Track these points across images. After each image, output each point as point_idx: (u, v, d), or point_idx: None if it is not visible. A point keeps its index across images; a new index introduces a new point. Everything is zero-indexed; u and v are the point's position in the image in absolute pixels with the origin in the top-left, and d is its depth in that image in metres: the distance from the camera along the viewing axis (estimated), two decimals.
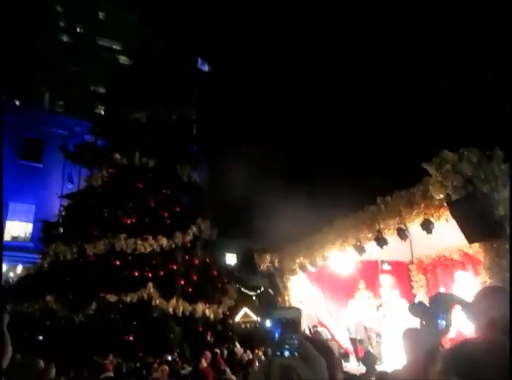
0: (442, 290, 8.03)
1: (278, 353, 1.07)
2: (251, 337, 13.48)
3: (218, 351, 8.96)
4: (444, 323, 1.57)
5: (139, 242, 11.74)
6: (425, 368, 1.59)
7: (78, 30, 74.40)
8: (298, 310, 1.15)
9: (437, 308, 1.60)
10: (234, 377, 4.92)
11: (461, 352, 1.17)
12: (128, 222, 12.28)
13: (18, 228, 22.62)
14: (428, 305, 1.71)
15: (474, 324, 1.74)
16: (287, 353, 1.07)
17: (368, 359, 5.02)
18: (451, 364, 1.21)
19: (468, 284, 6.94)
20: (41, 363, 3.63)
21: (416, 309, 1.78)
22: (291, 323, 1.11)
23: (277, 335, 1.10)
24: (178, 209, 13.39)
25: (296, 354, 1.06)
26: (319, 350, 1.11)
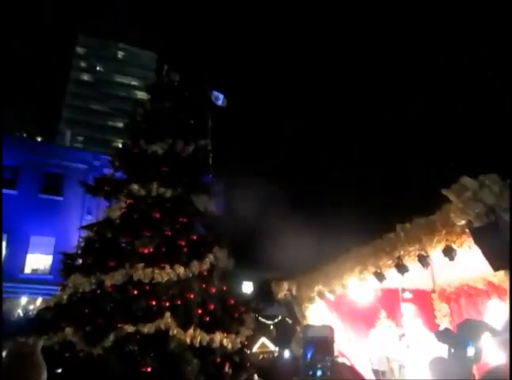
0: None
1: (311, 373, 1.08)
2: (269, 369, 13.14)
3: None
4: (473, 350, 1.57)
5: (157, 271, 11.77)
6: None
7: (98, 69, 77.97)
8: (330, 328, 1.16)
9: (466, 335, 1.60)
10: None
11: (495, 377, 1.18)
12: (146, 251, 12.37)
13: (38, 261, 23.00)
14: (456, 332, 1.70)
15: (504, 351, 1.73)
16: (319, 373, 1.07)
17: None
18: None
19: (494, 314, 6.73)
20: None
21: (444, 335, 1.78)
22: (323, 342, 1.11)
23: (309, 354, 1.11)
24: (195, 238, 13.47)
25: (328, 374, 1.07)
26: (350, 373, 1.13)
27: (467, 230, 5.00)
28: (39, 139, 35.91)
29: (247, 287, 22.95)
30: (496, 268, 4.76)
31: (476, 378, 1.70)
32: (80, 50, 76.01)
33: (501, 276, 4.98)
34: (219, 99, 26.22)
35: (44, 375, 1.13)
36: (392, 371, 7.70)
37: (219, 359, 11.67)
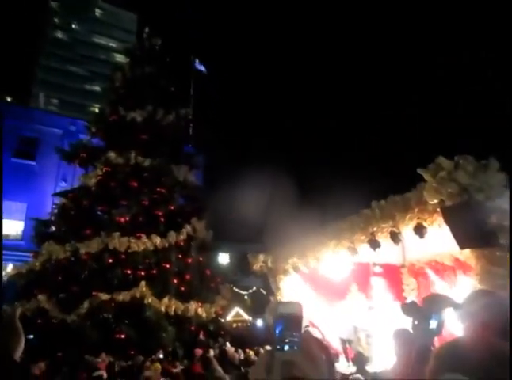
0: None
1: (279, 347, 1.10)
2: (242, 337, 13.53)
3: (211, 351, 9.00)
4: (436, 323, 1.64)
5: (133, 241, 11.74)
6: (417, 367, 1.66)
7: (74, 27, 73.60)
8: (299, 305, 1.17)
9: (430, 308, 1.67)
10: (226, 376, 4.95)
11: (453, 349, 1.23)
12: (122, 220, 12.27)
13: (10, 226, 22.47)
14: (421, 305, 1.77)
15: (464, 324, 1.82)
16: (287, 347, 1.09)
17: (359, 360, 5.08)
18: (442, 361, 1.27)
19: (460, 289, 7.05)
20: None
21: (409, 308, 1.84)
22: (292, 318, 1.13)
23: (277, 330, 1.12)
24: (173, 208, 13.42)
25: (296, 349, 1.10)
26: (317, 347, 1.16)
27: (438, 209, 5.14)
28: (8, 99, 34.24)
29: (223, 259, 23.23)
30: (462, 247, 4.95)
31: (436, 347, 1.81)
32: (55, 5, 71.65)
33: (467, 253, 5.18)
34: (202, 67, 25.50)
35: (22, 343, 1.11)
36: (359, 340, 8.05)
37: (194, 328, 11.93)
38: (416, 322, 1.68)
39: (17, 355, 1.11)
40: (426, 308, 1.66)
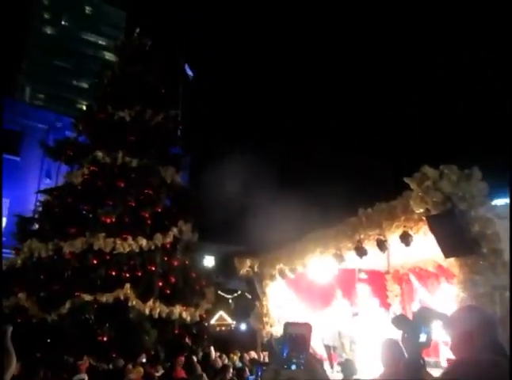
0: (417, 300, 8.29)
1: (286, 366, 1.11)
2: (226, 341, 13.48)
3: (194, 356, 8.95)
4: (426, 336, 1.69)
5: (119, 242, 11.60)
6: (405, 378, 1.70)
7: (63, 23, 72.58)
8: (308, 326, 1.18)
9: (420, 321, 1.71)
10: None
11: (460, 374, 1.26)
12: (108, 221, 12.12)
13: None
14: (411, 318, 1.82)
15: (451, 336, 1.88)
16: (294, 367, 1.11)
17: (347, 367, 5.11)
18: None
19: (443, 295, 7.19)
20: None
21: (399, 320, 1.88)
22: (300, 339, 1.14)
23: (285, 350, 1.13)
24: (160, 210, 13.31)
25: (302, 368, 1.11)
26: (314, 359, 1.18)
27: (424, 218, 5.24)
28: None
29: (208, 261, 23.12)
30: (447, 256, 5.05)
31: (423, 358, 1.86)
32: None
33: (450, 261, 5.28)
34: (189, 71, 25.45)
35: (14, 364, 1.06)
36: (343, 346, 8.12)
37: (177, 331, 11.84)
38: (406, 335, 1.72)
39: (7, 377, 1.06)
40: (416, 321, 1.71)
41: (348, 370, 5.00)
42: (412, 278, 8.88)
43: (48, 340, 9.94)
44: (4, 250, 16.45)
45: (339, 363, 5.93)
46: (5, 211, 21.48)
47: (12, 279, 11.72)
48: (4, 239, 20.12)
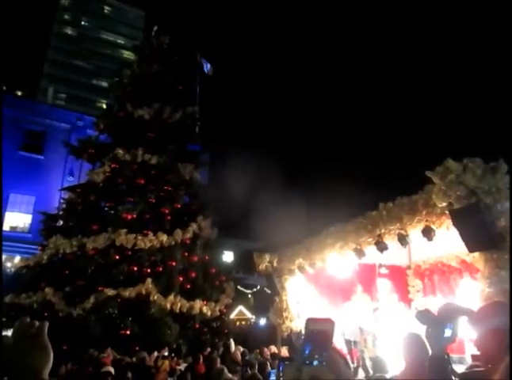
0: (439, 296, 8.14)
1: (307, 362, 1.10)
2: (245, 335, 13.56)
3: (214, 350, 9.03)
4: (451, 332, 1.66)
5: (140, 238, 11.80)
6: (429, 373, 1.68)
7: (83, 23, 73.81)
8: (330, 322, 1.16)
9: (445, 317, 1.68)
10: (234, 377, 4.95)
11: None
12: (129, 217, 12.33)
13: (17, 219, 22.64)
14: (437, 313, 1.79)
15: (477, 332, 1.84)
16: (316, 363, 1.10)
17: (378, 364, 5.04)
18: None
19: (466, 291, 7.04)
20: None
21: (423, 315, 1.86)
22: (322, 335, 1.12)
23: (307, 347, 1.11)
24: (179, 206, 13.47)
25: (324, 364, 1.10)
26: (337, 354, 1.18)
27: (447, 212, 5.13)
28: (19, 93, 34.47)
29: (228, 257, 23.28)
30: (471, 250, 4.93)
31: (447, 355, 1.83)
32: (64, 1, 72.05)
33: (475, 256, 5.15)
34: (207, 66, 25.50)
35: (50, 358, 1.07)
36: (365, 342, 8.05)
37: (198, 325, 11.98)
38: (430, 330, 1.69)
39: (46, 373, 1.08)
40: (441, 316, 1.68)
41: (378, 367, 4.94)
42: (435, 273, 8.73)
43: (74, 333, 10.20)
44: (31, 246, 17.00)
45: (370, 359, 5.87)
46: (30, 209, 22.16)
47: (39, 274, 12.10)
48: (30, 235, 20.78)
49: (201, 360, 8.20)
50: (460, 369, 2.46)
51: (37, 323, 1.11)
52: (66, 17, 70.68)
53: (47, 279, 11.84)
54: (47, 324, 1.12)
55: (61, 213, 14.07)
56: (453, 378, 1.85)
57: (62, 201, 15.11)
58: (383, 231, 6.36)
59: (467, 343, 6.18)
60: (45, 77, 63.17)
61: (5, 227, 21.88)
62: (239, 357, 9.52)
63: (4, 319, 11.26)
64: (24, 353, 1.04)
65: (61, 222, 13.65)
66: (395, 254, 7.57)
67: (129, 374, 6.38)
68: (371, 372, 5.25)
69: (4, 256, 20.67)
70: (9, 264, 20.09)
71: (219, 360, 8.22)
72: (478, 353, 1.89)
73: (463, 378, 2.01)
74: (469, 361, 5.14)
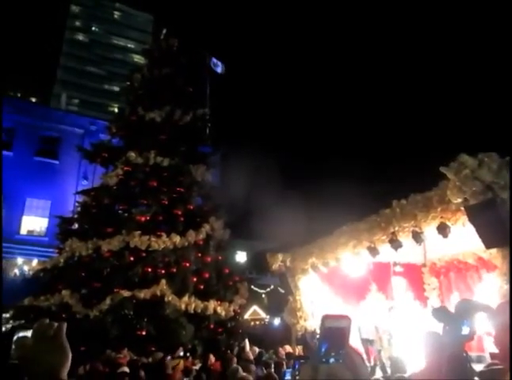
0: (456, 293, 8.02)
1: (324, 360, 1.08)
2: (260, 335, 13.56)
3: (229, 350, 9.05)
4: (468, 329, 1.63)
5: (153, 239, 11.91)
6: (448, 372, 1.65)
7: (94, 29, 74.89)
8: (347, 319, 1.13)
9: (462, 314, 1.66)
10: (250, 377, 4.95)
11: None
12: (142, 219, 12.45)
13: (34, 223, 23.07)
14: (454, 310, 1.76)
15: (496, 329, 1.80)
16: (332, 360, 1.08)
17: (397, 364, 4.99)
18: None
19: (483, 288, 6.92)
20: None
21: (439, 313, 1.83)
22: (339, 333, 1.09)
23: (323, 345, 1.09)
24: (192, 208, 13.55)
25: (340, 361, 1.08)
26: (354, 352, 1.17)
27: (462, 208, 5.05)
28: (33, 100, 35.18)
29: (241, 257, 23.32)
30: (488, 246, 4.85)
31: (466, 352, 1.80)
32: (75, 8, 73.24)
33: (492, 252, 5.06)
34: (218, 66, 25.57)
35: (69, 358, 1.08)
36: (381, 341, 7.98)
37: (212, 325, 12.03)
38: (447, 327, 1.67)
39: (64, 374, 1.09)
40: (458, 313, 1.65)
41: (397, 367, 4.88)
42: (451, 271, 8.60)
43: (91, 335, 10.35)
44: (47, 250, 17.31)
45: (389, 358, 5.81)
46: (46, 212, 22.58)
47: (56, 277, 12.31)
48: (46, 239, 21.16)
49: (213, 360, 8.23)
50: (478, 368, 2.42)
51: (56, 324, 1.13)
52: (78, 23, 71.83)
53: (64, 281, 12.04)
54: (65, 326, 1.13)
55: (76, 216, 14.28)
56: (472, 376, 1.82)
57: (77, 204, 15.34)
58: (397, 229, 6.30)
59: (486, 341, 6.08)
60: (58, 83, 64.29)
61: (23, 231, 22.33)
62: (251, 356, 9.53)
63: (23, 321, 11.51)
64: (43, 353, 1.06)
65: (76, 226, 13.85)
66: (410, 252, 7.49)
67: (142, 373, 6.43)
68: (389, 372, 5.20)
69: (22, 260, 21.10)
70: (26, 268, 20.52)
71: (235, 360, 8.25)
72: (497, 351, 1.86)
73: (481, 377, 1.98)
74: (488, 360, 5.05)
